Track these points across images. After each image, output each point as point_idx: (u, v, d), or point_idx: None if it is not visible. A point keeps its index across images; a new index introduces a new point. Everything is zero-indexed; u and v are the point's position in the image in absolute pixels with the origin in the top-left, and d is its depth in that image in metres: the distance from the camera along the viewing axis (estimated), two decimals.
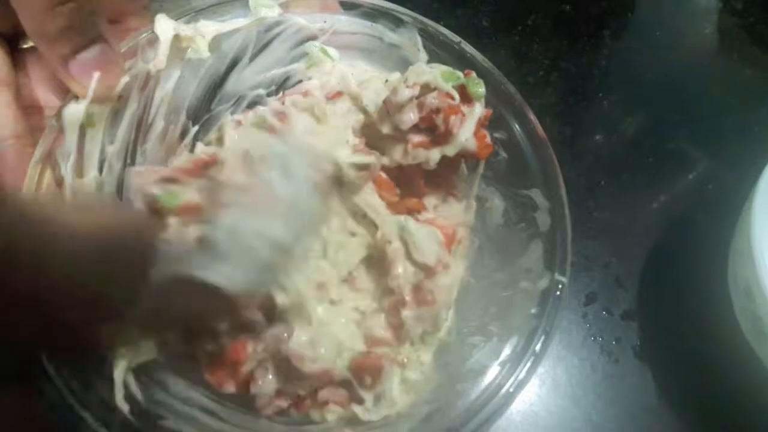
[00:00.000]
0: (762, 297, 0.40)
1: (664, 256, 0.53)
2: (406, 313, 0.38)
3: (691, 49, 0.66)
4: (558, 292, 0.37)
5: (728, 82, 0.63)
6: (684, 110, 0.60)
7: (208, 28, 0.39)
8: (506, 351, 0.37)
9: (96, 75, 0.34)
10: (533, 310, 0.37)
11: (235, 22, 0.40)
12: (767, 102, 0.60)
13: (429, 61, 0.43)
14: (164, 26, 0.38)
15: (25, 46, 0.36)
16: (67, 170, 0.35)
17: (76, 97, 0.35)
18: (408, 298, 0.38)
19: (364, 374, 0.37)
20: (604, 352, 0.50)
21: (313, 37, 0.43)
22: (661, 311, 0.51)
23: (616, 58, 0.64)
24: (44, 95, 0.36)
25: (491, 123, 0.42)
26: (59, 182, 0.35)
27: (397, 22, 0.43)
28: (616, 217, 0.55)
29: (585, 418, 0.48)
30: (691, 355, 0.49)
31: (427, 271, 0.39)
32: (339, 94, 0.42)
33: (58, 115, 0.35)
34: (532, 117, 0.41)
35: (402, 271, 0.39)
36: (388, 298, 0.39)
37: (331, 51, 0.43)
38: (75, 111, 0.35)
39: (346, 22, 0.43)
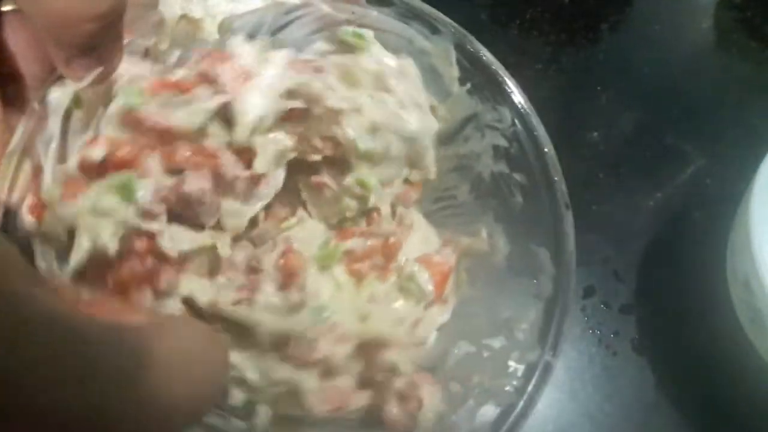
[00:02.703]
0: (760, 289, 0.40)
1: (663, 249, 0.53)
2: None
3: (690, 43, 0.66)
4: (545, 373, 0.35)
5: (726, 76, 0.63)
6: (682, 105, 0.60)
7: (220, 8, 0.36)
8: (480, 418, 0.35)
9: (98, 70, 0.31)
10: (514, 382, 0.35)
11: (250, 4, 0.37)
12: (765, 96, 0.61)
13: (460, 79, 0.40)
14: (171, 5, 0.35)
15: (4, 8, 0.32)
16: (47, 156, 0.31)
17: (62, 76, 0.31)
18: None
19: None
20: (603, 345, 0.50)
21: (336, 25, 0.39)
22: (660, 304, 0.51)
23: (615, 52, 0.64)
24: (25, 64, 0.32)
25: (513, 162, 0.39)
26: (37, 172, 0.31)
27: (432, 29, 0.39)
28: (615, 210, 0.55)
29: (583, 411, 0.48)
30: (690, 347, 0.49)
31: None
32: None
33: (41, 99, 0.31)
34: (558, 171, 0.38)
35: None
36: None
37: (366, 33, 0.39)
38: (62, 93, 0.31)
39: (375, 18, 0.39)
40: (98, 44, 0.30)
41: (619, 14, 0.66)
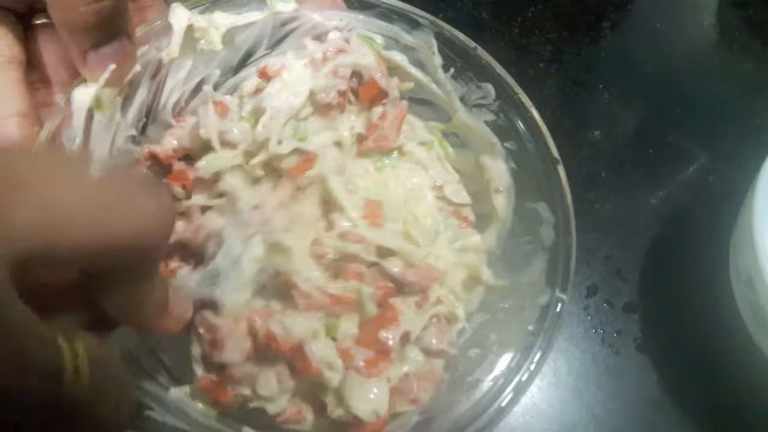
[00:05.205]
0: (763, 287, 0.40)
1: (665, 248, 0.53)
2: None
3: (691, 41, 0.65)
4: (557, 309, 0.37)
5: (728, 74, 0.63)
6: (684, 102, 0.60)
7: (223, 20, 0.39)
8: (501, 366, 0.37)
9: (111, 66, 0.34)
10: (531, 327, 0.37)
11: (250, 16, 0.40)
12: (767, 93, 0.60)
13: (444, 66, 0.42)
14: (179, 15, 0.38)
15: (37, 21, 0.36)
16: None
17: (86, 80, 0.35)
18: None
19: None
20: (606, 344, 0.50)
21: (327, 33, 0.42)
22: (663, 303, 0.51)
23: (616, 50, 0.63)
24: (54, 71, 0.36)
25: (503, 132, 0.42)
26: None
27: (413, 24, 0.42)
28: (617, 209, 0.55)
29: (586, 411, 0.48)
30: (693, 346, 0.49)
31: None
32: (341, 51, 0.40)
33: (68, 97, 0.34)
34: (544, 130, 0.41)
35: None
36: None
37: (377, 37, 0.42)
38: (84, 94, 0.34)
39: (362, 21, 0.42)
40: (107, 34, 0.33)
41: (620, 12, 0.66)
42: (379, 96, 0.40)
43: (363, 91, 0.40)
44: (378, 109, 0.41)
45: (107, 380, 0.23)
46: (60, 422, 0.21)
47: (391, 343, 0.36)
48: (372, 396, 0.35)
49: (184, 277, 0.35)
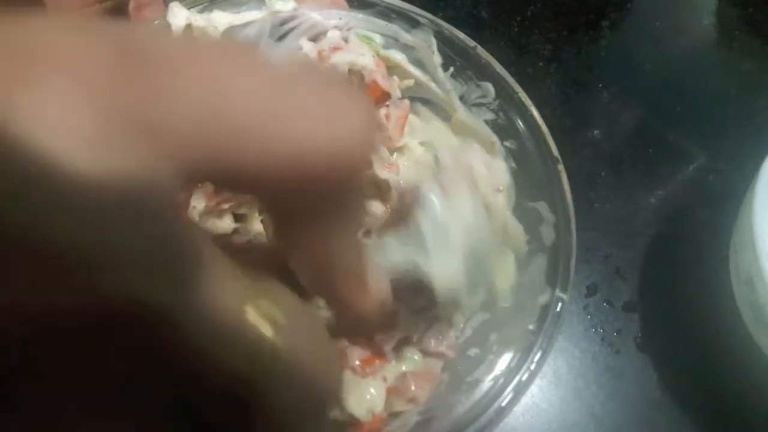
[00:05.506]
0: (763, 287, 0.40)
1: (665, 247, 0.53)
2: None
3: (691, 40, 0.65)
4: (558, 309, 0.37)
5: (728, 73, 0.63)
6: (684, 102, 0.60)
7: (222, 19, 0.39)
8: (501, 366, 0.37)
9: None
10: (531, 326, 0.37)
11: (249, 15, 0.40)
12: (767, 93, 0.60)
13: (443, 65, 0.43)
14: (177, 15, 0.38)
15: None
16: None
17: None
18: None
19: None
20: (606, 344, 0.50)
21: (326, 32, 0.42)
22: (663, 302, 0.51)
23: (616, 49, 0.63)
24: None
25: (502, 131, 0.42)
26: None
27: (412, 23, 0.42)
28: (617, 208, 0.55)
29: (586, 410, 0.48)
30: (693, 345, 0.49)
31: None
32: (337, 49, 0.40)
33: None
34: (544, 129, 0.41)
35: None
36: None
37: (376, 37, 0.42)
38: None
39: (361, 20, 0.42)
40: None
41: (620, 11, 0.66)
42: (382, 98, 0.40)
43: (365, 94, 0.40)
44: (382, 111, 0.41)
45: (306, 359, 0.16)
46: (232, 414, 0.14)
47: (386, 348, 0.36)
48: (368, 396, 0.35)
49: (381, 241, 0.28)
